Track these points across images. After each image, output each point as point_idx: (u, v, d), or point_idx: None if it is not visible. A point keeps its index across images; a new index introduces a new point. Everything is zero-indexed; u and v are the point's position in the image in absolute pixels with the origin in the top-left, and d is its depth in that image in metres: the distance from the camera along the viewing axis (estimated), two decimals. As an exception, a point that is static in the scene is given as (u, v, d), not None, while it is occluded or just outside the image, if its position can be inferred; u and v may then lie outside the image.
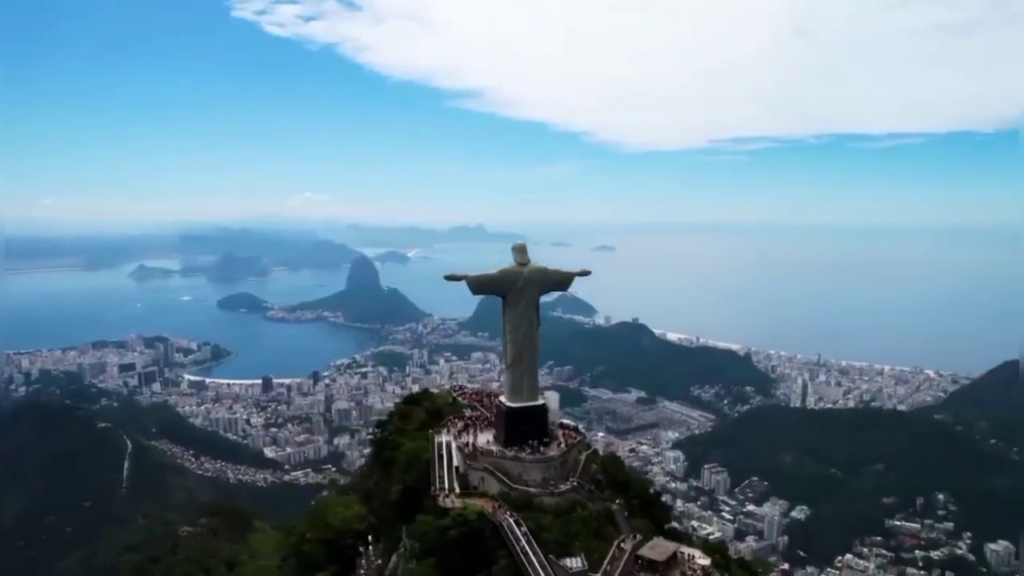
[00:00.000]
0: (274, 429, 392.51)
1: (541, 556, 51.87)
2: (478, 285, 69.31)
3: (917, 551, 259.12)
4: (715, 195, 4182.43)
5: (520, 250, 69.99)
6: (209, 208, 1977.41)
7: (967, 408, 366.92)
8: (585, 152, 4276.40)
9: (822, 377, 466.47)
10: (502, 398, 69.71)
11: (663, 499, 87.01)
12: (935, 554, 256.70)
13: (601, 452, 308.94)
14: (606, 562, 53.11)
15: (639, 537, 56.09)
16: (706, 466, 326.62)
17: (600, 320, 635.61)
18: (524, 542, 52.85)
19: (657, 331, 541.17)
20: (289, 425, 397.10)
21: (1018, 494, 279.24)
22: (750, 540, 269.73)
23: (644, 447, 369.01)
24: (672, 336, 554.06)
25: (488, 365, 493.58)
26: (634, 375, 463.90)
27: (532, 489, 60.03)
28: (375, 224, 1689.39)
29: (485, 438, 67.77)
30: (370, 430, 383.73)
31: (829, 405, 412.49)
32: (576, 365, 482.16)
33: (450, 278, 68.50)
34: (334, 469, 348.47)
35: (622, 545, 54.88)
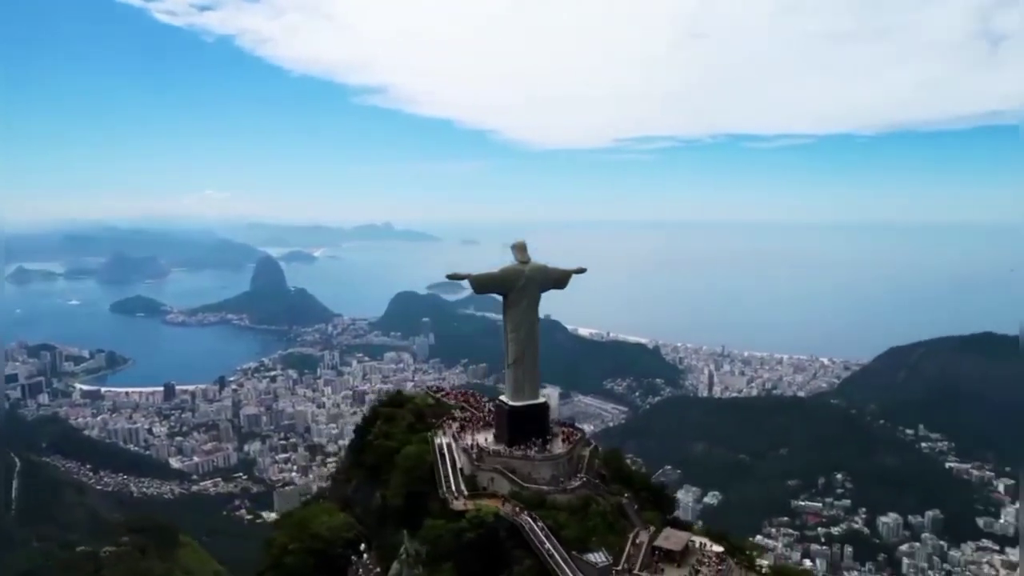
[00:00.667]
0: (179, 438, 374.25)
1: (564, 553, 52.10)
2: (480, 284, 68.69)
3: (819, 528, 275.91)
4: (621, 192, 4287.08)
5: (520, 248, 69.60)
6: (94, 207, 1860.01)
7: (858, 392, 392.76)
8: (492, 150, 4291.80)
9: (727, 367, 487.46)
10: (503, 397, 69.83)
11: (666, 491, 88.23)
12: (835, 530, 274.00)
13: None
14: (625, 555, 53.76)
15: (652, 529, 57.38)
16: (627, 456, 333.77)
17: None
18: (547, 541, 53.01)
19: (570, 327, 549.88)
20: (195, 433, 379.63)
21: (905, 471, 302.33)
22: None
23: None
24: (584, 332, 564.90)
25: (402, 365, 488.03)
26: (550, 371, 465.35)
27: (545, 487, 60.28)
28: (279, 223, 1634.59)
29: (483, 438, 67.61)
30: (283, 435, 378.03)
31: (734, 394, 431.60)
32: (490, 362, 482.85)
33: (453, 277, 67.65)
34: (246, 477, 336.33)
35: (638, 538, 55.89)
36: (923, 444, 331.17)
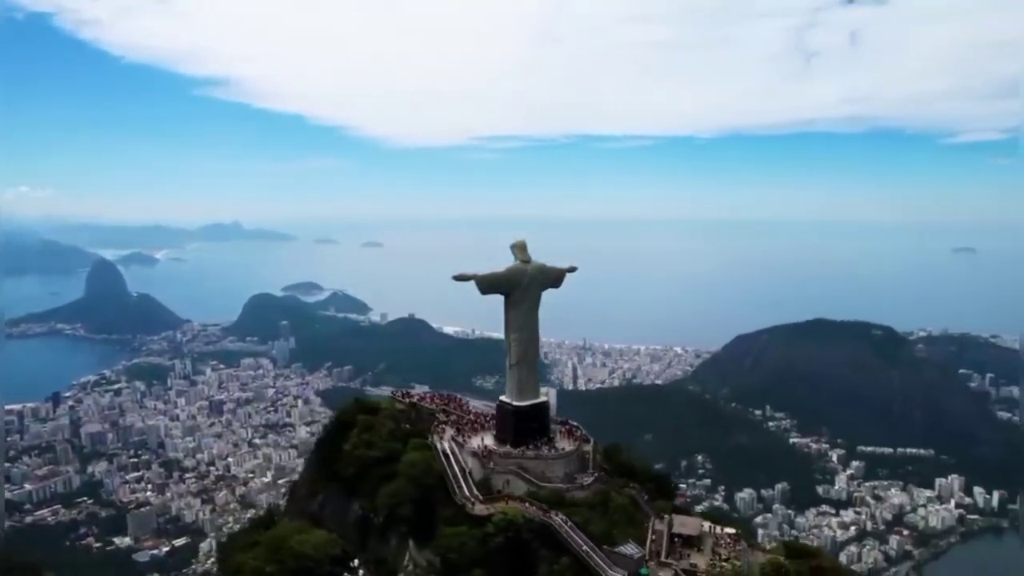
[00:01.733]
0: (7, 464, 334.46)
1: (596, 549, 52.57)
2: (486, 285, 68.33)
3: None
4: (478, 191, 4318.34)
5: (521, 248, 69.53)
6: None
7: (711, 378, 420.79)
8: (347, 146, 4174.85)
9: (589, 360, 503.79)
10: (504, 398, 69.35)
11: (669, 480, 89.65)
12: (699, 508, 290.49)
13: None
14: (648, 544, 55.16)
15: (667, 517, 59.16)
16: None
17: (375, 317, 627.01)
18: (579, 538, 53.23)
19: (435, 325, 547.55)
20: (26, 457, 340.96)
21: (755, 449, 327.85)
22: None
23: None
24: (449, 329, 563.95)
25: (261, 371, 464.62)
26: (417, 370, 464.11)
27: (562, 485, 61.02)
28: (113, 223, 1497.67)
29: (485, 440, 67.24)
30: (132, 452, 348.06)
31: (598, 385, 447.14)
32: (356, 364, 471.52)
33: (459, 278, 66.97)
34: (91, 501, 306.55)
35: (657, 526, 57.49)
36: (770, 423, 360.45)
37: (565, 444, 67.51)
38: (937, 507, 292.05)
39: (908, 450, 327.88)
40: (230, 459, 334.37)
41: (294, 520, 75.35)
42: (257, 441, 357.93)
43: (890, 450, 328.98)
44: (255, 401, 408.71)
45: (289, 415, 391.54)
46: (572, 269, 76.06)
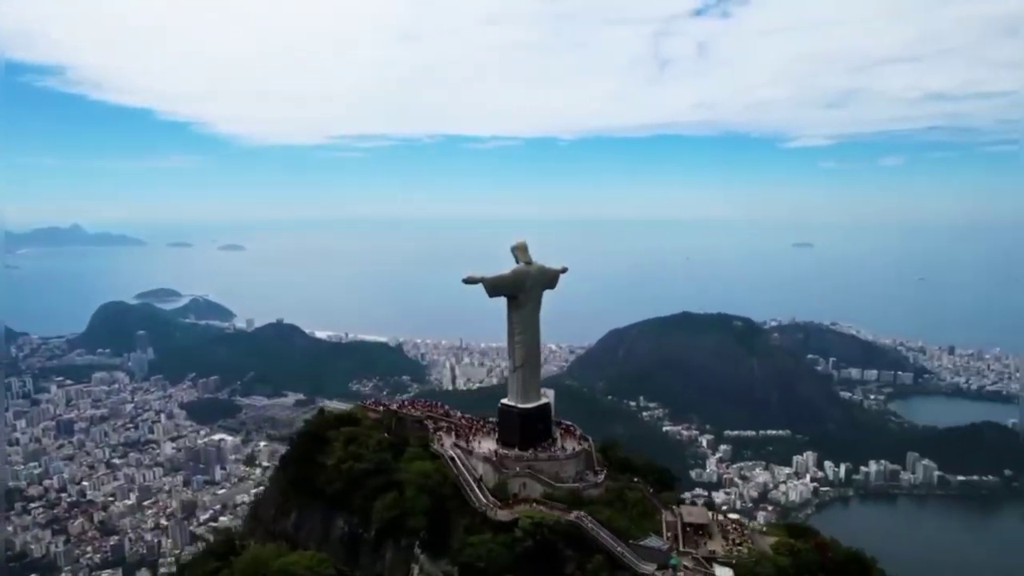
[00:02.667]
0: None
1: (624, 545, 53.43)
2: (494, 287, 67.13)
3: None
4: (339, 190, 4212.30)
5: (523, 249, 68.79)
6: None
7: (587, 372, 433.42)
8: (200, 144, 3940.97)
9: (467, 359, 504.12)
10: (506, 401, 69.34)
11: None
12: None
13: (267, 461, 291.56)
14: (665, 535, 56.95)
15: (678, 508, 61.38)
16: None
17: (241, 323, 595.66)
18: (607, 535, 53.92)
19: (307, 330, 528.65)
20: None
21: (632, 439, 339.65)
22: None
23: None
24: (321, 334, 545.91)
25: (116, 386, 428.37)
26: (289, 377, 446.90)
27: (577, 484, 61.58)
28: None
29: (484, 444, 66.65)
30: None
31: (477, 384, 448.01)
32: (223, 374, 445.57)
33: (468, 281, 65.67)
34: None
35: (669, 518, 59.43)
36: (644, 413, 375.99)
37: (569, 444, 67.15)
38: (795, 482, 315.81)
39: (768, 432, 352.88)
40: (85, 483, 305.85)
41: (263, 543, 69.39)
42: (116, 461, 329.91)
43: (753, 433, 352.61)
44: (111, 418, 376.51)
45: (152, 431, 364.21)
46: (564, 270, 75.70)
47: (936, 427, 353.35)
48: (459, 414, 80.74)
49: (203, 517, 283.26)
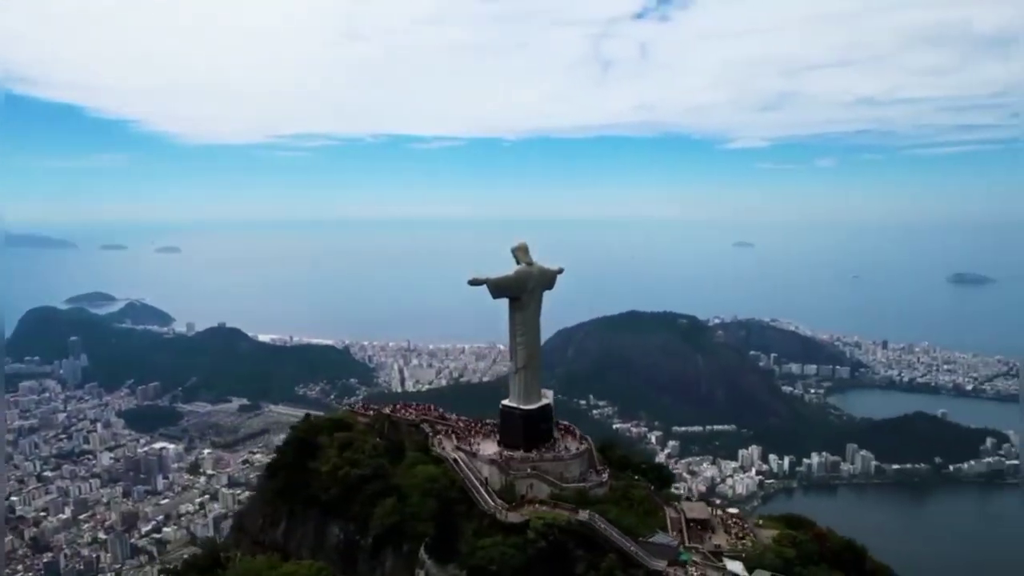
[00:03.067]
0: None
1: (634, 542, 54.00)
2: (497, 288, 67.71)
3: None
4: (281, 190, 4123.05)
5: (524, 250, 69.42)
6: None
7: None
8: (134, 142, 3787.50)
9: (415, 361, 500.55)
10: (508, 402, 69.30)
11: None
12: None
13: (212, 468, 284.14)
14: (671, 530, 58.12)
15: (678, 505, 62.84)
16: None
17: (181, 328, 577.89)
18: (620, 535, 54.47)
19: (251, 333, 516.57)
20: None
21: (589, 433, 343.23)
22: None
23: (258, 456, 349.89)
24: (265, 337, 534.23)
25: (47, 395, 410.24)
26: (233, 382, 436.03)
27: (585, 484, 61.99)
28: None
29: (489, 447, 66.56)
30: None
31: (426, 385, 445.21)
32: (163, 380, 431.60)
33: (474, 282, 66.13)
34: None
35: (672, 514, 60.68)
36: (594, 411, 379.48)
37: (571, 444, 67.27)
38: (741, 475, 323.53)
39: (715, 427, 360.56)
40: (14, 498, 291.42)
41: (252, 554, 66.91)
42: (48, 474, 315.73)
43: (700, 428, 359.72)
44: (42, 429, 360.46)
45: (87, 441, 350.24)
46: (560, 270, 76.63)
47: (872, 419, 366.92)
48: (455, 416, 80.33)
49: (145, 529, 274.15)
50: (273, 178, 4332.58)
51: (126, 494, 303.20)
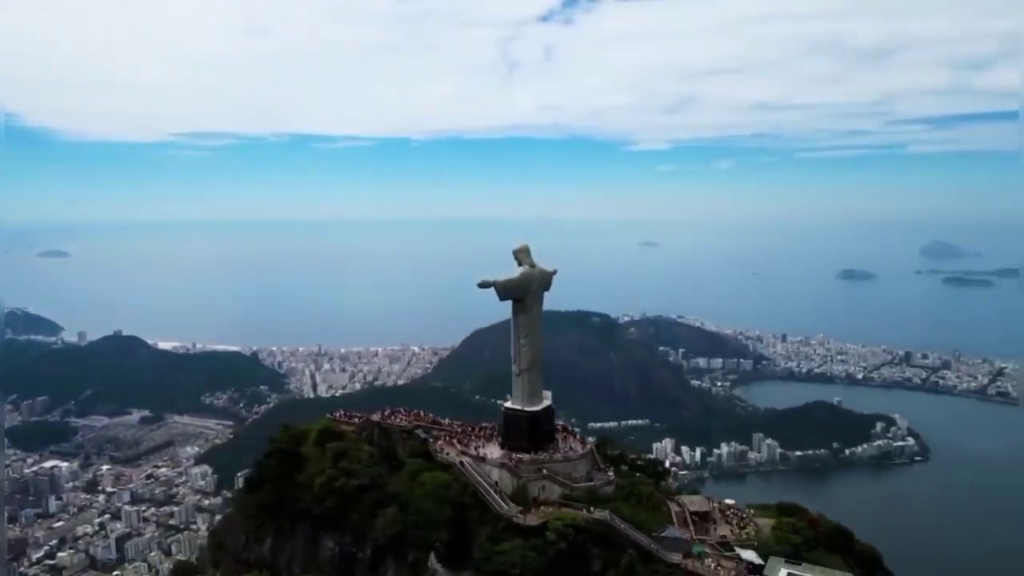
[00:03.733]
0: None
1: (648, 537, 54.93)
2: (505, 290, 67.22)
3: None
4: (178, 191, 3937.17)
5: (525, 252, 68.82)
6: None
7: (453, 374, 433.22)
8: (11, 137, 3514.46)
9: (327, 366, 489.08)
10: (512, 405, 68.77)
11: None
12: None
13: (112, 486, 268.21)
14: (678, 524, 59.31)
15: (679, 499, 64.51)
16: (239, 474, 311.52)
17: (71, 337, 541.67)
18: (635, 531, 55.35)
19: (150, 341, 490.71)
20: None
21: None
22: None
23: (163, 470, 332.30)
24: (166, 345, 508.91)
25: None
26: (132, 393, 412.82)
27: (594, 483, 62.56)
28: None
29: (493, 450, 66.00)
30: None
31: (339, 391, 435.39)
32: (53, 394, 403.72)
33: (483, 285, 65.88)
34: None
35: (675, 508, 61.94)
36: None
37: (573, 444, 67.01)
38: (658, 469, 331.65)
39: (629, 422, 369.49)
40: None
41: (238, 574, 62.58)
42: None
43: (615, 424, 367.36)
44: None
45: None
46: (554, 272, 75.31)
47: (775, 408, 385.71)
48: (448, 421, 79.10)
49: (36, 556, 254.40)
50: (171, 178, 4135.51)
51: (13, 519, 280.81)
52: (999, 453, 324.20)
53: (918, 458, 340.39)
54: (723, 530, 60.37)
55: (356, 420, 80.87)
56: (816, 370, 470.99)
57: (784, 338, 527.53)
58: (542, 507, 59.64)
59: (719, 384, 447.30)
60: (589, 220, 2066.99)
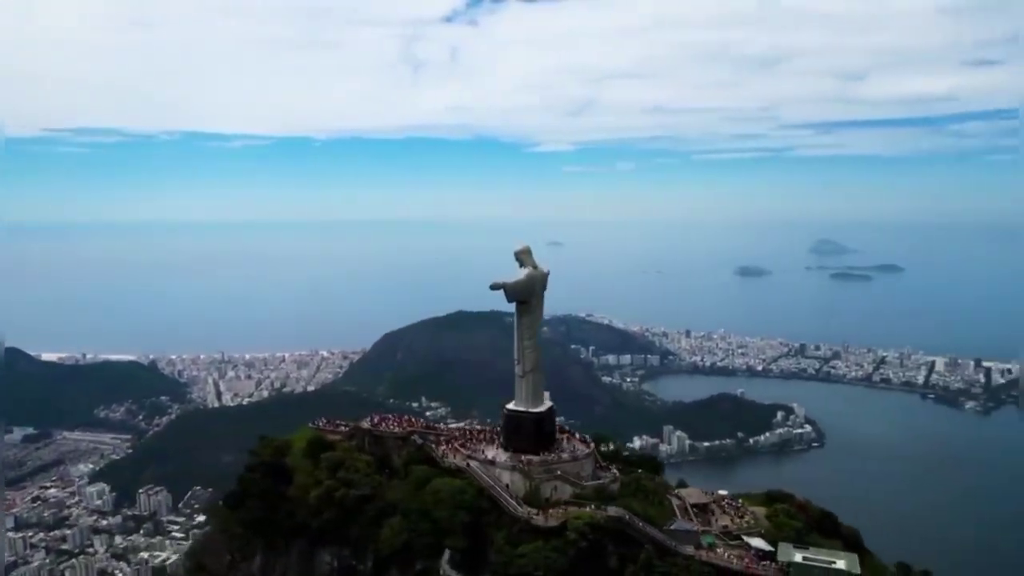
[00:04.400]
0: None
1: (660, 532, 55.95)
2: (515, 292, 66.76)
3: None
4: (54, 190, 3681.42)
5: (528, 253, 69.15)
6: None
7: (365, 377, 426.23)
8: None
9: (231, 373, 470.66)
10: (516, 407, 68.24)
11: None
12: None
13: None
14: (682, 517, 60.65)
15: (682, 492, 66.19)
16: (140, 490, 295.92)
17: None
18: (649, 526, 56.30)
19: (33, 353, 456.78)
20: None
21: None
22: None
23: (52, 491, 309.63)
24: (52, 356, 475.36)
25: None
26: (13, 409, 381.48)
27: (602, 481, 63.27)
28: None
29: (498, 453, 65.83)
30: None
31: (246, 399, 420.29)
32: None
33: (494, 287, 65.88)
34: None
35: (676, 502, 63.28)
36: (427, 412, 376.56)
37: (577, 444, 66.47)
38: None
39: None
40: None
41: None
42: None
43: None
44: None
45: None
46: (547, 272, 74.79)
47: (683, 401, 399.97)
48: (443, 426, 78.04)
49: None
50: (48, 176, 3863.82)
51: None
52: (885, 437, 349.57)
53: (815, 444, 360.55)
54: (723, 520, 62.32)
55: (343, 428, 78.10)
56: (719, 363, 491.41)
57: (688, 334, 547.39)
58: (559, 507, 60.23)
59: (628, 380, 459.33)
60: (495, 220, 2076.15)
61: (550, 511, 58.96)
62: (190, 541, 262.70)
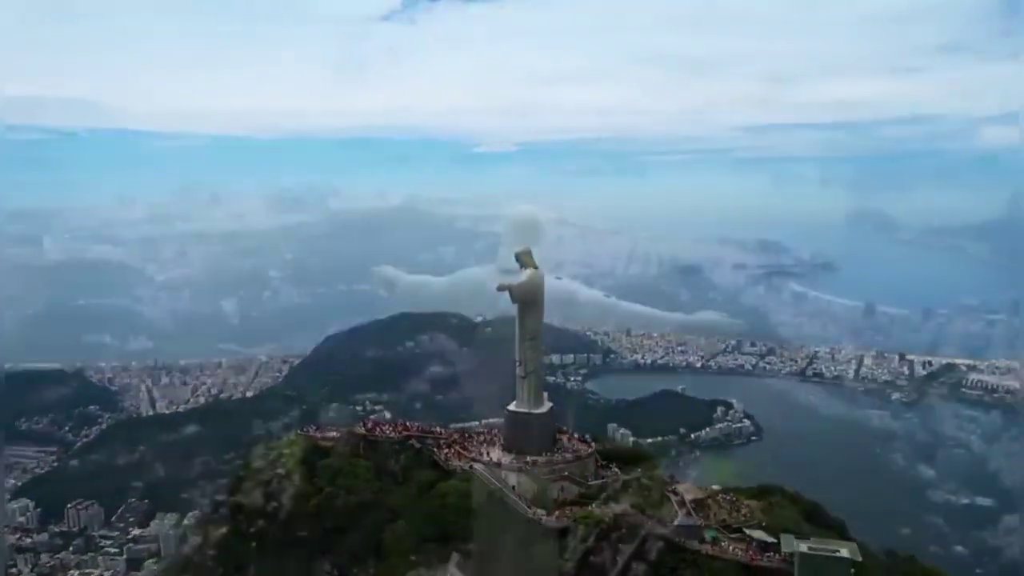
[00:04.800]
0: None
1: (667, 527, 56.97)
2: (520, 293, 69.81)
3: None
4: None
5: (529, 254, 69.87)
6: None
7: (308, 381, 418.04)
8: None
9: (165, 379, 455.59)
10: (518, 408, 69.99)
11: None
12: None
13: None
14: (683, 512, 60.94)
15: (679, 488, 65.96)
16: (69, 505, 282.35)
17: None
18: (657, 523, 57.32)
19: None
20: None
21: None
22: (149, 564, 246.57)
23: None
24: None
25: None
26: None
27: (605, 480, 64.54)
28: None
29: (499, 454, 66.31)
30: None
31: (182, 406, 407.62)
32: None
33: (501, 289, 69.58)
34: None
35: (674, 497, 63.56)
36: (372, 416, 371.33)
37: (577, 444, 64.51)
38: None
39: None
40: None
41: None
42: None
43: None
44: None
45: None
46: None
47: (627, 399, 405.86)
48: (439, 429, 76.67)
49: None
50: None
51: None
52: (818, 428, 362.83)
53: (754, 437, 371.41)
54: (722, 514, 62.96)
55: (334, 434, 75.54)
56: (660, 361, 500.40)
57: (629, 332, 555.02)
58: (566, 507, 59.97)
59: (572, 379, 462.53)
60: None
61: (560, 512, 58.95)
62: (125, 555, 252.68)
